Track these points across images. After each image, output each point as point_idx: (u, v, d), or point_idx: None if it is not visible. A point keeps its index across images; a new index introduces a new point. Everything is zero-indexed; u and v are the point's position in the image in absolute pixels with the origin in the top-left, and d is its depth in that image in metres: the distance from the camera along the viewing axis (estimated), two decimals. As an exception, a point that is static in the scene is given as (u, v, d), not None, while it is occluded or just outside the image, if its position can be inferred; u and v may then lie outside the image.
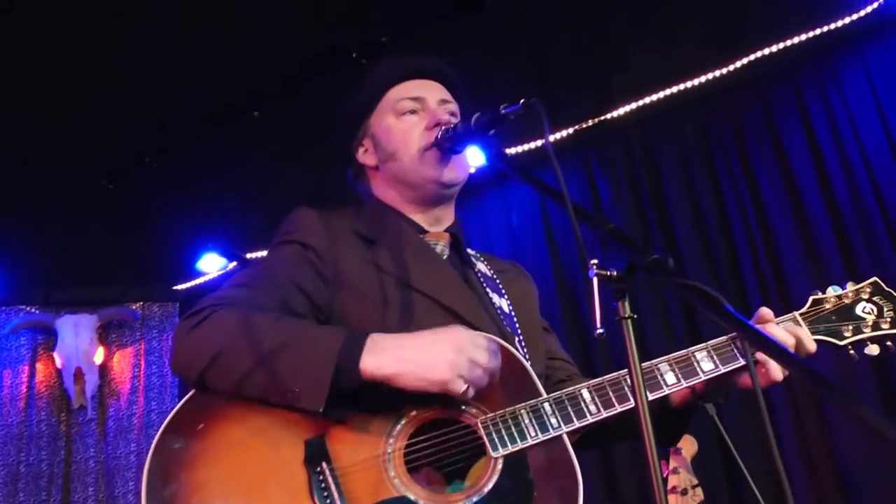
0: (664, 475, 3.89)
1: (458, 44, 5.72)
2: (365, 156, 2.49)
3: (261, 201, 6.41)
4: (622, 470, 5.51)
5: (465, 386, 1.92)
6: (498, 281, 2.45)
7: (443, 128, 2.28)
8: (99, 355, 7.00)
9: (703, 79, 5.53)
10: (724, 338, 2.19)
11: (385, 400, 1.96)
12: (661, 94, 5.70)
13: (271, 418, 1.94)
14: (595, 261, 1.60)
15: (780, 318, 2.26)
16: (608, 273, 1.60)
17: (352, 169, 2.56)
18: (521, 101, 1.93)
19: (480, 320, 2.19)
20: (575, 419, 2.04)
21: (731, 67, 5.40)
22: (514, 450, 1.99)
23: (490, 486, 1.95)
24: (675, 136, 5.89)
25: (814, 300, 2.32)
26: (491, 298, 2.34)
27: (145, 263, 7.13)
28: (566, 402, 2.06)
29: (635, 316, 1.59)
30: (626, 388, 2.07)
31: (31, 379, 6.93)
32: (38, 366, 6.99)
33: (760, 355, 2.11)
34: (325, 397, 1.87)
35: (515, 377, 2.08)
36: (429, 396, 1.96)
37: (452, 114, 2.43)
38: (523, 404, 2.04)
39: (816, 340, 2.25)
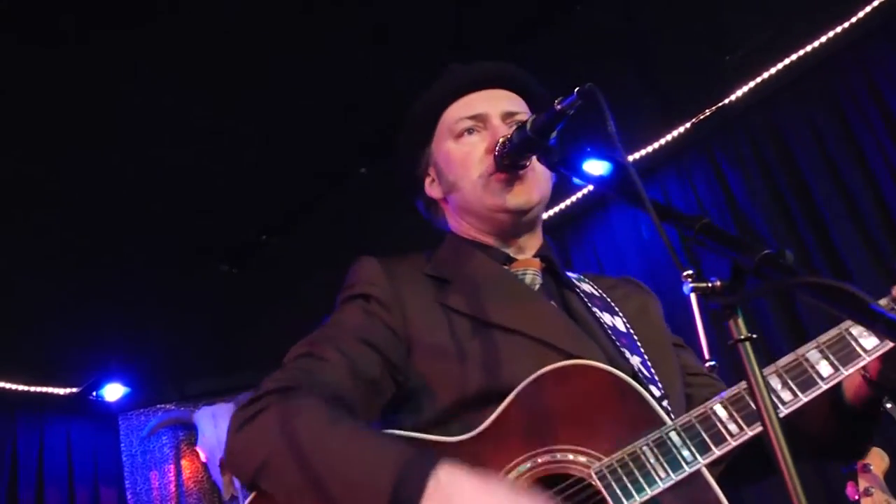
0: (855, 498, 3.42)
1: (551, 57, 5.46)
2: (432, 187, 2.19)
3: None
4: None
5: None
6: (609, 299, 2.11)
7: (499, 142, 1.92)
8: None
9: (823, 39, 5.14)
10: (883, 300, 1.75)
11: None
12: (780, 66, 5.32)
13: None
14: (689, 271, 1.26)
15: None
16: (709, 285, 1.26)
17: (423, 202, 2.26)
18: (576, 89, 1.60)
19: (583, 347, 1.82)
20: (713, 445, 1.63)
21: (859, 16, 4.97)
22: (643, 501, 1.58)
23: None
24: (803, 108, 5.47)
25: None
26: (601, 318, 1.99)
27: (274, 344, 6.96)
28: (697, 425, 1.65)
29: (755, 336, 1.23)
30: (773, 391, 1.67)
31: (178, 477, 6.89)
32: (184, 462, 6.96)
33: None
34: None
35: (629, 406, 1.67)
36: (523, 451, 1.63)
37: None
38: (644, 439, 1.63)
39: None
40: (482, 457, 1.66)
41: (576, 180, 1.85)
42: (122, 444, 7.02)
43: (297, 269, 6.57)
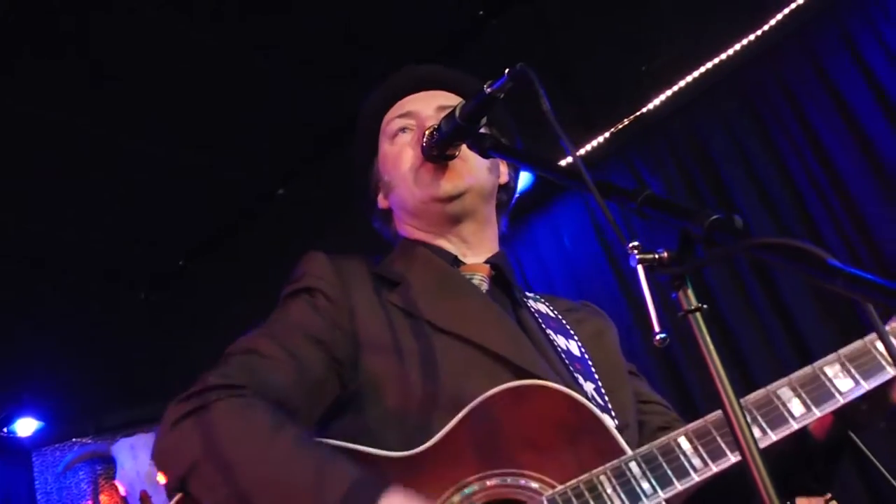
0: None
1: (469, 70, 5.38)
2: (382, 199, 2.17)
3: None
4: None
5: None
6: (564, 321, 2.03)
7: (426, 132, 1.88)
8: (162, 475, 6.66)
9: (738, 46, 5.17)
10: (859, 342, 1.68)
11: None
12: (697, 74, 5.34)
13: None
14: (635, 243, 1.21)
15: None
16: (656, 256, 1.20)
17: (378, 219, 2.23)
18: (506, 70, 1.56)
19: (535, 364, 1.75)
20: (675, 480, 1.55)
21: (771, 24, 5.02)
22: None
23: None
24: (721, 115, 5.51)
25: None
26: (554, 341, 1.91)
27: (194, 372, 6.78)
28: (659, 457, 1.57)
29: (705, 306, 1.18)
30: None
31: (98, 513, 6.62)
32: (103, 498, 6.74)
33: None
34: None
35: (587, 433, 1.59)
36: (472, 472, 1.55)
37: None
38: (602, 468, 1.55)
39: None
40: (429, 473, 1.58)
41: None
42: (37, 482, 6.75)
43: (215, 296, 6.42)
